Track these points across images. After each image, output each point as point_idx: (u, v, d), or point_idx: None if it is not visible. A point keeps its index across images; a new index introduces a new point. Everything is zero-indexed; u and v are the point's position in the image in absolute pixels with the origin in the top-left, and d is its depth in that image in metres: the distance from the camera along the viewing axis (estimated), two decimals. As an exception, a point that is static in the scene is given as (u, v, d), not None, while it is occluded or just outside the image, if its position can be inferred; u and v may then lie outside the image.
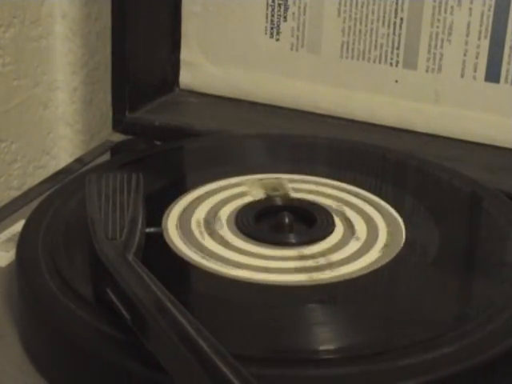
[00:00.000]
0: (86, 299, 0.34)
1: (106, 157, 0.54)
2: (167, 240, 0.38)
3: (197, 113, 0.57)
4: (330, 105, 0.55)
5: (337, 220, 0.41)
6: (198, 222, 0.40)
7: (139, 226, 0.36)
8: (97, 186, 0.38)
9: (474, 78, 0.52)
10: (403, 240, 0.39)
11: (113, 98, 0.55)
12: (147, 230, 0.37)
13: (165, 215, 0.41)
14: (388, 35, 0.53)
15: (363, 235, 0.39)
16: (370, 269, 0.37)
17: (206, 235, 0.39)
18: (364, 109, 0.55)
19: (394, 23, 0.53)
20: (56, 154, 0.66)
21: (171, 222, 0.40)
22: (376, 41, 0.53)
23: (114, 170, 0.42)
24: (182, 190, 0.43)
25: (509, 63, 0.51)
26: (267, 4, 0.56)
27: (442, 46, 0.52)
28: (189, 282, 0.37)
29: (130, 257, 0.33)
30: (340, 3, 0.54)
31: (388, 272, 0.37)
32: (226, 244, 0.38)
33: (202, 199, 0.42)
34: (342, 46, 0.54)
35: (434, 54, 0.52)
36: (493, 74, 0.51)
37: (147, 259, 0.34)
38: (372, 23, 0.53)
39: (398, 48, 0.53)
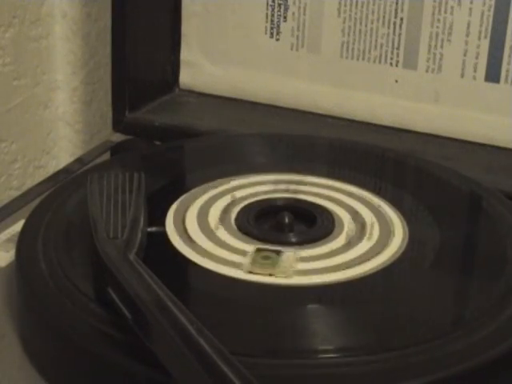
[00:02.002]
0: (87, 299, 0.34)
1: (106, 157, 0.54)
2: (169, 239, 0.38)
3: (197, 113, 0.57)
4: (330, 105, 0.56)
5: (337, 220, 0.41)
6: (199, 222, 0.40)
7: (141, 225, 0.36)
8: (98, 185, 0.38)
9: (474, 78, 0.52)
10: (403, 240, 0.39)
11: (113, 98, 0.55)
12: (149, 229, 0.37)
13: (166, 214, 0.41)
14: (388, 35, 0.53)
15: (363, 235, 0.39)
16: (370, 269, 0.37)
17: (207, 234, 0.39)
18: (364, 109, 0.55)
19: (394, 23, 0.53)
20: (56, 154, 0.66)
21: (173, 222, 0.40)
22: (376, 41, 0.53)
23: (115, 170, 0.42)
24: (182, 190, 0.43)
25: (509, 63, 0.51)
26: (267, 4, 0.56)
27: (441, 46, 0.52)
28: (190, 281, 0.37)
29: (132, 256, 0.33)
30: (340, 3, 0.54)
31: (388, 272, 0.37)
32: (226, 243, 0.38)
33: (202, 199, 0.42)
34: (342, 46, 0.55)
35: (434, 54, 0.52)
36: (493, 74, 0.51)
37: (149, 258, 0.34)
38: (372, 23, 0.53)
39: (398, 48, 0.53)
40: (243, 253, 0.37)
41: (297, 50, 0.56)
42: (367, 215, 0.41)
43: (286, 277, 0.36)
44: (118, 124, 0.55)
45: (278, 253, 0.37)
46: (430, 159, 0.48)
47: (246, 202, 0.42)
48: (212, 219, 0.40)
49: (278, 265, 0.36)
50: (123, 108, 0.55)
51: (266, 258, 0.37)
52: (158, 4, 0.56)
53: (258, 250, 0.37)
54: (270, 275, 0.36)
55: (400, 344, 0.32)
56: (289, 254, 0.37)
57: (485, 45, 0.51)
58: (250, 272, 0.36)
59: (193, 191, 0.43)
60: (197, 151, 0.50)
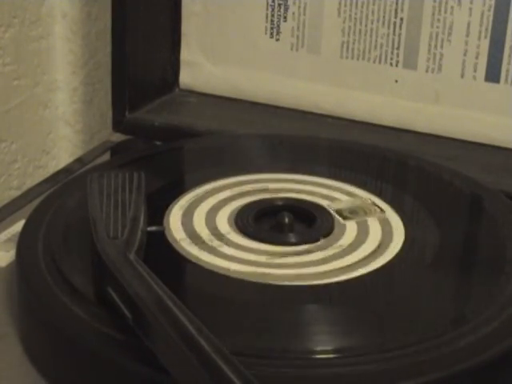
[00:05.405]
0: (87, 299, 0.34)
1: (106, 157, 0.54)
2: (168, 238, 0.38)
3: (197, 113, 0.57)
4: (329, 105, 0.56)
5: (336, 220, 0.41)
6: (199, 221, 0.40)
7: (141, 224, 0.36)
8: (98, 184, 0.38)
9: (474, 78, 0.52)
10: (403, 240, 0.39)
11: (113, 98, 0.55)
12: (149, 228, 0.37)
13: (166, 214, 0.41)
14: (388, 35, 0.53)
15: (363, 235, 0.39)
16: (370, 269, 0.37)
17: (206, 234, 0.39)
18: (364, 109, 0.55)
19: (394, 23, 0.53)
20: (56, 154, 0.66)
21: (172, 221, 0.40)
22: (376, 41, 0.53)
23: (115, 170, 0.42)
24: (182, 189, 0.43)
25: (509, 63, 0.51)
26: (267, 4, 0.56)
27: (442, 46, 0.52)
28: (190, 280, 0.37)
29: (132, 256, 0.33)
30: (340, 3, 0.54)
31: (387, 272, 0.37)
32: (226, 243, 0.38)
33: (202, 198, 0.42)
34: (342, 46, 0.55)
35: (434, 53, 0.52)
36: (493, 74, 0.51)
37: (149, 258, 0.34)
38: (372, 23, 0.53)
39: (398, 48, 0.53)
40: (243, 252, 0.38)
41: (297, 50, 0.56)
42: (367, 215, 0.41)
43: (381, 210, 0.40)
44: (118, 124, 0.55)
45: (344, 211, 0.40)
46: (430, 159, 0.48)
47: (245, 202, 0.42)
48: (212, 219, 0.40)
49: (364, 206, 0.40)
50: (123, 108, 0.55)
51: (355, 212, 0.40)
52: (158, 4, 0.56)
53: (340, 213, 0.40)
54: (382, 210, 0.40)
55: (400, 344, 0.32)
56: (341, 202, 0.41)
57: (485, 45, 0.51)
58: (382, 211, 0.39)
59: (192, 191, 0.43)
60: (197, 151, 0.50)
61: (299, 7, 0.55)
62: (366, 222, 0.41)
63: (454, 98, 0.53)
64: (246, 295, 0.35)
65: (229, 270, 0.36)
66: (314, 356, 0.31)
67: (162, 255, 0.37)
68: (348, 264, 0.37)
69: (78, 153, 0.64)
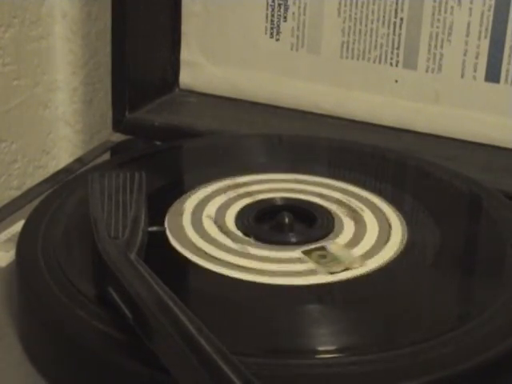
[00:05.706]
0: (87, 299, 0.34)
1: (106, 157, 0.54)
2: (169, 239, 0.38)
3: (197, 113, 0.57)
4: (329, 105, 0.56)
5: (336, 220, 0.41)
6: (200, 222, 0.40)
7: (142, 224, 0.36)
8: (99, 184, 0.38)
9: (474, 78, 0.52)
10: (403, 240, 0.39)
11: (113, 98, 0.55)
12: (149, 228, 0.37)
13: (167, 214, 0.41)
14: (388, 35, 0.53)
15: (363, 235, 0.39)
16: (370, 269, 0.37)
17: (207, 234, 0.39)
18: (364, 109, 0.55)
19: (394, 23, 0.53)
20: (56, 154, 0.66)
21: (173, 221, 0.40)
22: (376, 41, 0.53)
23: (115, 170, 0.42)
24: (182, 190, 0.43)
25: (509, 63, 0.51)
26: (267, 4, 0.56)
27: (441, 46, 0.52)
28: (191, 281, 0.37)
29: (133, 256, 0.33)
30: (340, 3, 0.54)
31: (388, 272, 0.37)
32: (227, 243, 0.38)
33: (203, 199, 0.42)
34: (342, 46, 0.55)
35: (434, 53, 0.52)
36: (493, 74, 0.51)
37: (149, 258, 0.34)
38: (372, 23, 0.53)
39: (398, 48, 0.53)
40: (244, 252, 0.38)
41: (297, 50, 0.56)
42: (367, 215, 0.41)
43: (360, 266, 0.36)
44: (118, 124, 0.55)
45: (324, 248, 0.38)
46: (430, 159, 0.48)
47: (245, 202, 0.42)
48: (212, 219, 0.40)
49: (341, 258, 0.37)
50: (123, 108, 0.55)
51: (323, 256, 0.37)
52: (158, 4, 0.56)
53: (306, 253, 0.37)
54: (347, 269, 0.36)
55: (400, 344, 0.32)
56: (335, 246, 0.38)
57: (485, 45, 0.51)
58: (332, 273, 0.36)
59: (193, 191, 0.43)
60: (197, 151, 0.50)
61: (299, 7, 0.55)
62: (364, 221, 0.40)
63: (454, 98, 0.53)
64: (246, 296, 0.35)
65: (229, 270, 0.36)
66: (314, 356, 0.31)
67: (163, 255, 0.37)
68: (347, 263, 0.37)
69: (78, 153, 0.64)
